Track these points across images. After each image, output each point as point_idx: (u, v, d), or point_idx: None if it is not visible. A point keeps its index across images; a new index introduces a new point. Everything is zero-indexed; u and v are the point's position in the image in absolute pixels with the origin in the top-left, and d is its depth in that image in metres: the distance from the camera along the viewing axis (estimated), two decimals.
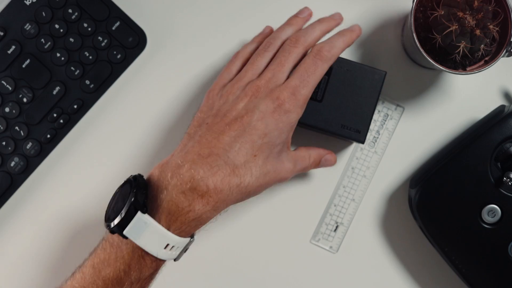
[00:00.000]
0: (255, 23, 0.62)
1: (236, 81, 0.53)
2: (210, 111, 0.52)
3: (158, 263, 0.49)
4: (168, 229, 0.47)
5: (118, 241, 0.48)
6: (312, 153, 0.57)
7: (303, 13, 0.59)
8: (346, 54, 0.62)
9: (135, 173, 0.51)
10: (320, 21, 0.57)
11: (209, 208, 0.48)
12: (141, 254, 0.48)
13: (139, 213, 0.47)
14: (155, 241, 0.47)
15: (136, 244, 0.47)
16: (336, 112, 0.57)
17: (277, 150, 0.52)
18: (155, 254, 0.47)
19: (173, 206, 0.47)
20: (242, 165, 0.49)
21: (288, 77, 0.52)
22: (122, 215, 0.46)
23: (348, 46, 0.55)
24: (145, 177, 0.50)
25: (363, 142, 0.58)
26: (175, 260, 0.51)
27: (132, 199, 0.47)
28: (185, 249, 0.51)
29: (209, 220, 0.50)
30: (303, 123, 0.58)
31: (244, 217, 0.62)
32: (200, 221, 0.49)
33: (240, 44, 0.62)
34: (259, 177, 0.50)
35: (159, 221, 0.47)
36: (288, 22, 0.57)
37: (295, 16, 0.58)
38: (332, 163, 0.58)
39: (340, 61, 0.57)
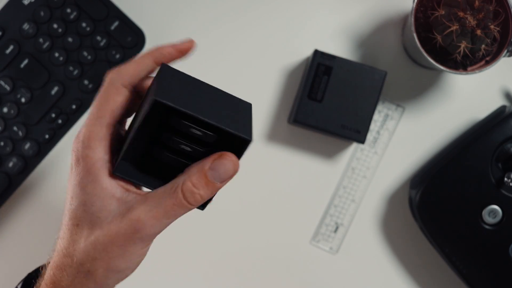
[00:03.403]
0: (255, 23, 0.62)
1: None
2: None
3: None
4: None
5: None
6: None
7: None
8: (346, 54, 0.62)
9: None
10: None
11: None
12: None
13: None
14: None
15: None
16: (336, 112, 0.57)
17: None
18: None
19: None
20: None
21: None
22: None
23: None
24: None
25: (363, 142, 0.58)
26: None
27: (19, 283, 0.45)
28: None
29: None
30: (303, 123, 0.57)
31: (244, 217, 0.61)
32: None
33: (239, 44, 0.61)
34: None
35: None
36: None
37: None
38: None
39: (340, 61, 0.57)
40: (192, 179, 0.37)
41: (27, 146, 0.58)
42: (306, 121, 0.57)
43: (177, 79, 0.38)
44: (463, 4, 0.53)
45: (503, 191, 0.56)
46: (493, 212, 0.57)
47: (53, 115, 0.59)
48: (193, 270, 0.61)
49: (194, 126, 0.36)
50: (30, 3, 0.58)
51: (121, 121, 0.40)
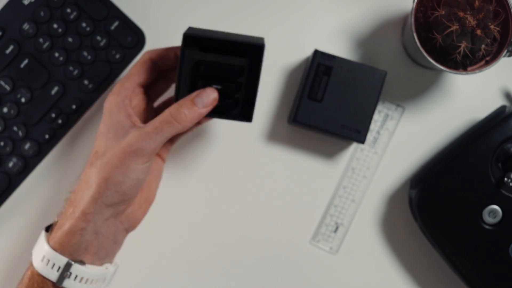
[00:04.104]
0: (255, 23, 0.62)
1: None
2: None
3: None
4: (51, 243, 0.49)
5: (27, 268, 0.51)
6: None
7: None
8: (346, 54, 0.62)
9: None
10: None
11: (75, 217, 0.48)
12: (35, 274, 0.49)
13: (43, 231, 0.51)
14: (36, 253, 0.49)
15: (32, 265, 0.49)
16: (336, 112, 0.57)
17: None
18: (34, 265, 0.49)
19: (59, 221, 0.49)
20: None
21: None
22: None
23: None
24: None
25: (363, 142, 0.58)
26: (57, 283, 0.49)
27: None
28: (70, 275, 0.49)
29: (81, 234, 0.49)
30: (303, 123, 0.57)
31: (244, 217, 0.61)
32: (72, 235, 0.48)
33: None
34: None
35: (48, 237, 0.49)
36: None
37: None
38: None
39: (340, 61, 0.57)
40: (179, 103, 0.48)
41: (27, 146, 0.58)
42: (306, 121, 0.57)
43: (200, 29, 0.51)
44: (463, 4, 0.53)
45: (503, 191, 0.56)
46: (493, 212, 0.57)
47: (53, 115, 0.59)
48: (192, 269, 0.61)
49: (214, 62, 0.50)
50: (30, 3, 0.58)
51: (144, 85, 0.52)
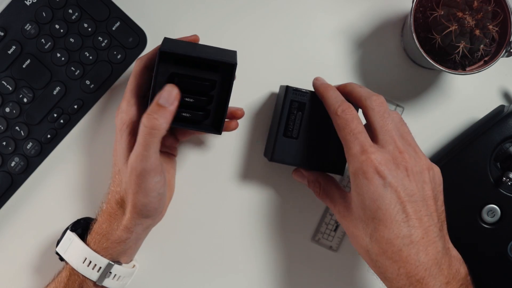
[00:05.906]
0: (255, 24, 0.62)
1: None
2: None
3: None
4: (92, 246, 0.53)
5: (60, 268, 0.55)
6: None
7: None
8: (346, 54, 0.62)
9: None
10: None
11: (122, 227, 0.53)
12: (74, 273, 0.53)
13: (68, 231, 0.55)
14: (75, 255, 0.53)
15: (70, 266, 0.53)
16: (313, 147, 0.56)
17: None
18: (75, 268, 0.53)
19: (98, 227, 0.53)
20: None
21: None
22: (59, 237, 0.56)
23: None
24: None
25: (342, 174, 0.57)
26: (97, 282, 0.54)
27: (69, 225, 0.56)
28: (110, 274, 0.54)
29: (125, 243, 0.53)
30: (281, 162, 0.56)
31: (244, 216, 0.62)
32: (118, 243, 0.53)
33: (240, 44, 0.62)
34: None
35: (85, 240, 0.54)
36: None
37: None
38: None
39: (313, 96, 0.55)
40: (147, 112, 0.48)
41: (29, 145, 0.59)
42: (284, 160, 0.56)
43: (176, 42, 0.52)
44: (462, 4, 0.54)
45: (502, 190, 0.57)
46: (491, 211, 0.57)
47: (55, 115, 0.59)
48: (194, 267, 0.61)
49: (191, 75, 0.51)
50: (32, 3, 0.59)
51: (145, 95, 0.54)
